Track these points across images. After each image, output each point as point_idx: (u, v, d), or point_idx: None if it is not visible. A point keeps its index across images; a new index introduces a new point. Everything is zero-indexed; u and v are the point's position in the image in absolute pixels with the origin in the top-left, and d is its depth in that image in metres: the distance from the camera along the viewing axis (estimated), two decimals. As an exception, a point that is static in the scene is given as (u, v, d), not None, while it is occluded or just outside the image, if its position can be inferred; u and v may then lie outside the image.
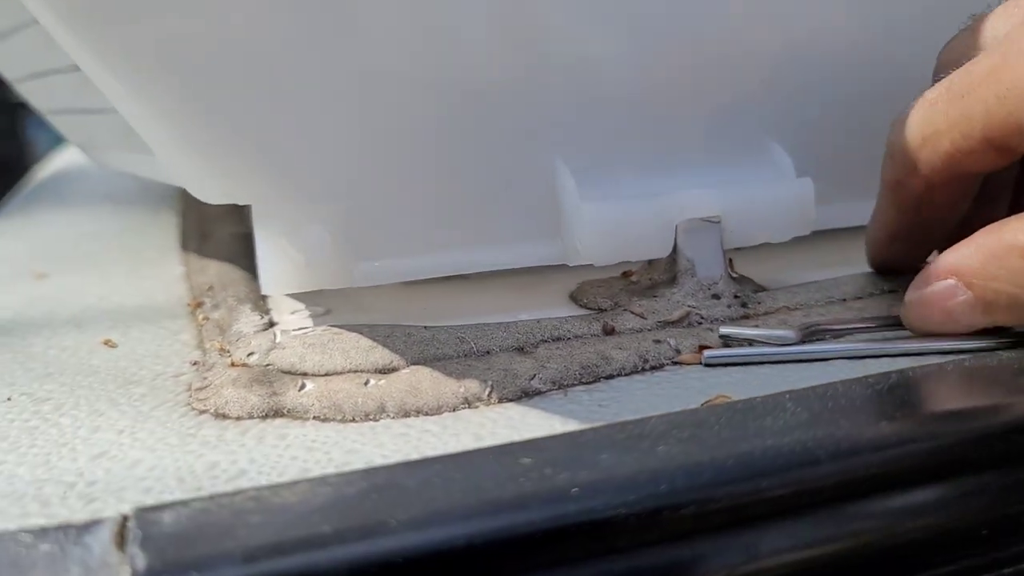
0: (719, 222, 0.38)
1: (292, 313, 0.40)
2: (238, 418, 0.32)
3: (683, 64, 0.38)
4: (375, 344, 0.35)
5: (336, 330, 0.36)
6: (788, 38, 0.39)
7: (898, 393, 0.29)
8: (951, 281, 0.32)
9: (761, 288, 0.40)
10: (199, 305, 0.44)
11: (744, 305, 0.38)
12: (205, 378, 0.35)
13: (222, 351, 0.37)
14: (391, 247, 0.37)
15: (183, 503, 0.25)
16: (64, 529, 0.24)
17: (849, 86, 0.40)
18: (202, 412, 0.33)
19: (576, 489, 0.24)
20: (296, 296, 0.42)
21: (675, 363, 0.35)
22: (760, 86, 0.40)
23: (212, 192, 0.35)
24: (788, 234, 0.39)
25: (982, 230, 0.32)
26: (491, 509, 0.23)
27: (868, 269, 0.41)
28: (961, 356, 0.31)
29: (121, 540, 0.23)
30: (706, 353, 0.34)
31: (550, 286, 0.41)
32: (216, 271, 0.48)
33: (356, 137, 0.35)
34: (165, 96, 0.33)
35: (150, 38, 0.31)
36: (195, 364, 0.37)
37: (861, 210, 0.40)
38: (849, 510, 0.26)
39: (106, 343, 0.40)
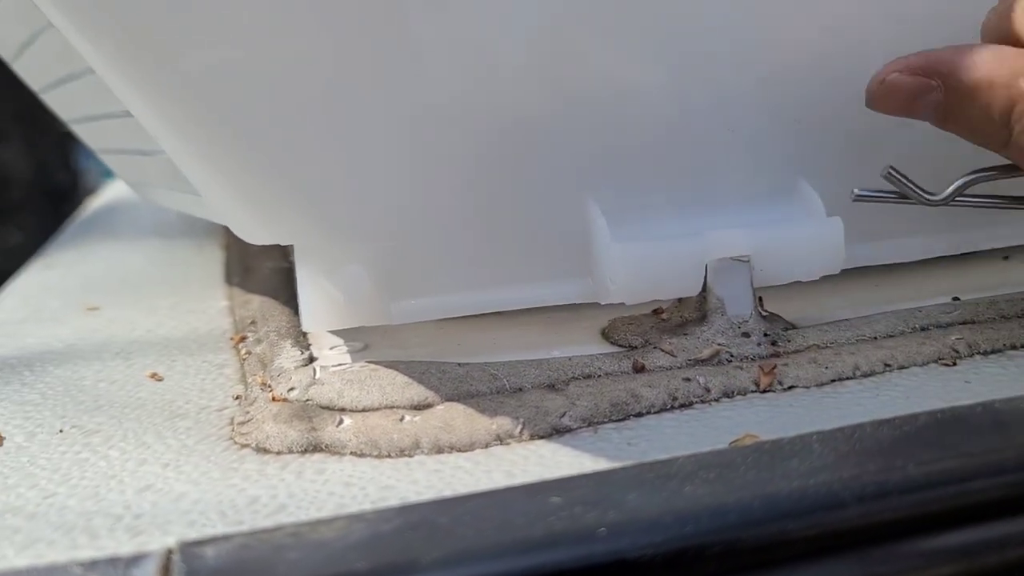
0: (748, 261, 0.38)
1: (331, 348, 0.41)
2: (278, 453, 0.33)
3: (714, 105, 0.39)
4: (411, 380, 0.36)
5: (373, 366, 0.37)
6: (820, 77, 0.40)
7: (926, 435, 0.29)
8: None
9: (792, 326, 0.40)
10: (242, 339, 0.45)
11: (774, 343, 0.38)
12: (247, 412, 0.36)
13: (264, 386, 0.38)
14: (427, 285, 0.38)
15: (225, 538, 0.26)
16: (113, 562, 0.25)
17: (879, 124, 0.40)
18: (244, 446, 0.34)
19: (604, 529, 0.25)
20: (335, 331, 0.43)
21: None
22: (790, 125, 0.40)
23: (255, 232, 0.36)
24: (818, 273, 0.39)
25: None
26: (521, 548, 0.24)
27: (899, 307, 0.41)
28: (991, 400, 0.31)
29: (166, 573, 0.24)
30: (856, 191, 0.36)
31: (582, 323, 0.42)
32: (258, 305, 0.49)
33: (395, 179, 0.37)
34: (211, 138, 0.35)
35: (197, 76, 0.32)
36: (238, 398, 0.38)
37: (890, 248, 0.41)
38: (874, 553, 0.26)
39: (153, 376, 0.42)
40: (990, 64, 0.33)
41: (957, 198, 0.37)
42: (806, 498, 0.26)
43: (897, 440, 0.29)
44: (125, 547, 0.27)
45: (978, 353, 0.38)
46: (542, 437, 0.33)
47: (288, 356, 0.40)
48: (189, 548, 0.25)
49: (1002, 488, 0.26)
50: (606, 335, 0.41)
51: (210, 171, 0.35)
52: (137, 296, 0.56)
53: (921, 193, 0.37)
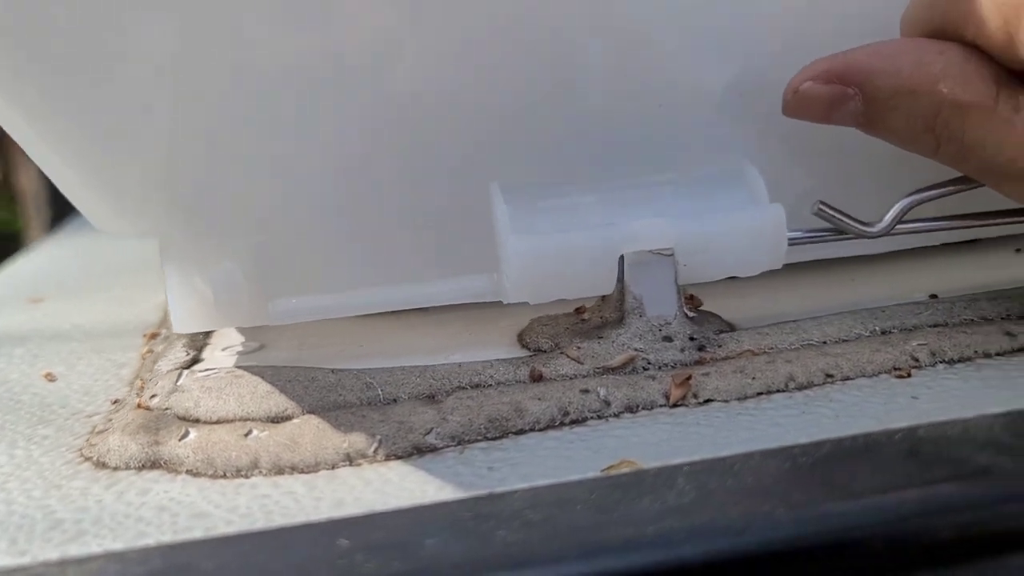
0: (671, 255, 0.33)
1: (223, 350, 0.38)
2: (115, 468, 0.30)
3: (640, 75, 0.34)
4: (273, 389, 0.32)
5: (239, 372, 0.33)
6: (771, 41, 0.34)
7: (819, 470, 0.24)
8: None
9: (729, 327, 0.35)
10: (154, 336, 0.42)
11: (701, 348, 0.33)
12: (110, 420, 0.33)
13: (140, 390, 0.35)
14: (309, 283, 0.35)
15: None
16: None
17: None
18: (87, 460, 0.31)
19: (372, 584, 0.20)
20: (240, 329, 0.40)
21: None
22: (734, 99, 0.35)
23: (114, 225, 0.33)
24: (756, 268, 0.34)
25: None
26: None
27: (866, 305, 0.36)
28: (915, 425, 0.26)
29: None
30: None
31: (503, 322, 0.38)
32: (190, 299, 0.46)
33: (267, 168, 0.33)
34: (59, 121, 0.31)
35: (40, 56, 0.29)
36: (115, 403, 0.36)
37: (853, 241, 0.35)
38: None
39: (47, 376, 0.39)
40: (910, 69, 0.29)
41: (899, 225, 0.32)
42: (633, 551, 0.21)
43: (783, 476, 0.24)
44: None
45: (942, 362, 0.32)
46: (399, 457, 0.29)
47: (172, 358, 0.37)
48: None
49: (885, 542, 0.21)
50: (520, 338, 0.36)
51: (59, 155, 0.32)
52: (87, 289, 0.54)
53: (856, 225, 0.32)
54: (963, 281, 0.38)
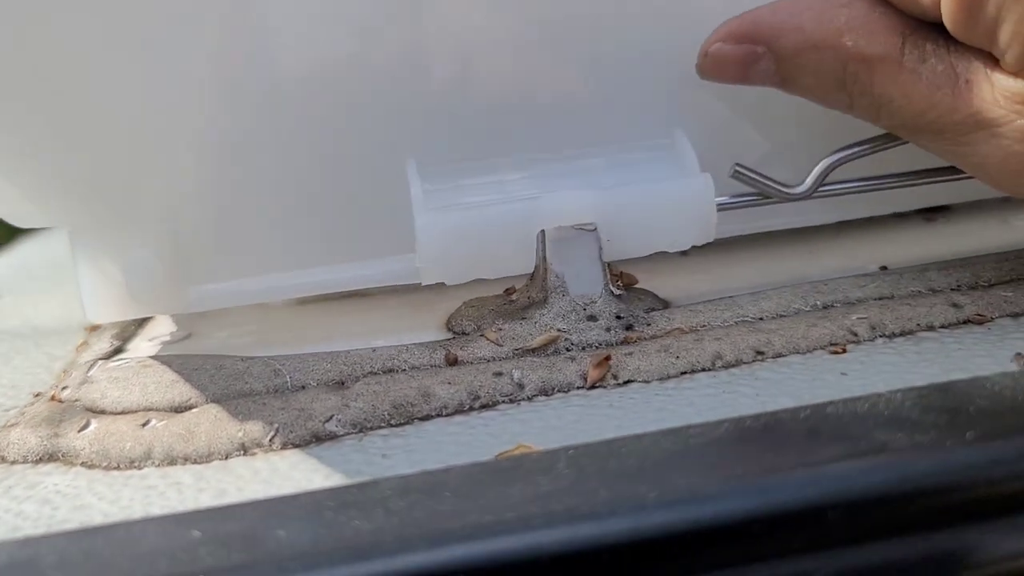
0: (594, 229, 0.32)
1: (150, 340, 0.37)
2: (12, 462, 0.29)
3: (561, 49, 0.32)
4: (178, 378, 0.31)
5: (147, 362, 0.32)
6: (698, 10, 0.32)
7: (708, 451, 0.22)
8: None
9: (664, 305, 0.34)
10: (95, 329, 0.42)
11: (629, 328, 0.32)
12: (23, 413, 0.33)
13: (59, 383, 0.34)
14: (228, 269, 0.34)
15: None
16: None
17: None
18: (-10, 454, 0.30)
19: (208, 577, 0.19)
20: (173, 319, 0.39)
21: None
22: (664, 67, 0.33)
23: (23, 215, 0.32)
24: (685, 242, 0.32)
25: None
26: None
27: (813, 277, 0.34)
28: (825, 402, 0.24)
29: None
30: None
31: (442, 305, 0.36)
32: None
33: (180, 151, 0.32)
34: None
35: None
36: (37, 396, 0.35)
37: (796, 211, 0.33)
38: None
39: (-21, 369, 0.39)
40: (812, 24, 0.28)
41: (822, 187, 0.30)
42: (485, 539, 0.20)
43: (668, 458, 0.22)
44: None
45: (882, 336, 0.31)
46: (297, 446, 0.28)
47: (96, 348, 0.36)
48: None
49: (762, 526, 0.20)
50: (449, 322, 0.35)
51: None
52: (47, 287, 0.53)
53: (778, 188, 0.30)
54: (916, 252, 0.36)
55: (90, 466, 0.28)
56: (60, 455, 0.29)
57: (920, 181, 0.32)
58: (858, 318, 0.31)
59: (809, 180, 0.31)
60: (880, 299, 0.32)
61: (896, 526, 0.20)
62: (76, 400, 0.32)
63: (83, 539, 0.22)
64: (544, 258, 0.32)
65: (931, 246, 0.36)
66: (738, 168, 0.31)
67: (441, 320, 0.35)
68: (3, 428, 0.32)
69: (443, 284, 0.33)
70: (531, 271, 0.33)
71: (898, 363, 0.28)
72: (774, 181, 0.31)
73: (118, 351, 0.36)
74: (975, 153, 0.27)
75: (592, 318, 0.32)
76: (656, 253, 0.33)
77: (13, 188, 0.32)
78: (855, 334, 0.30)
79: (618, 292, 0.32)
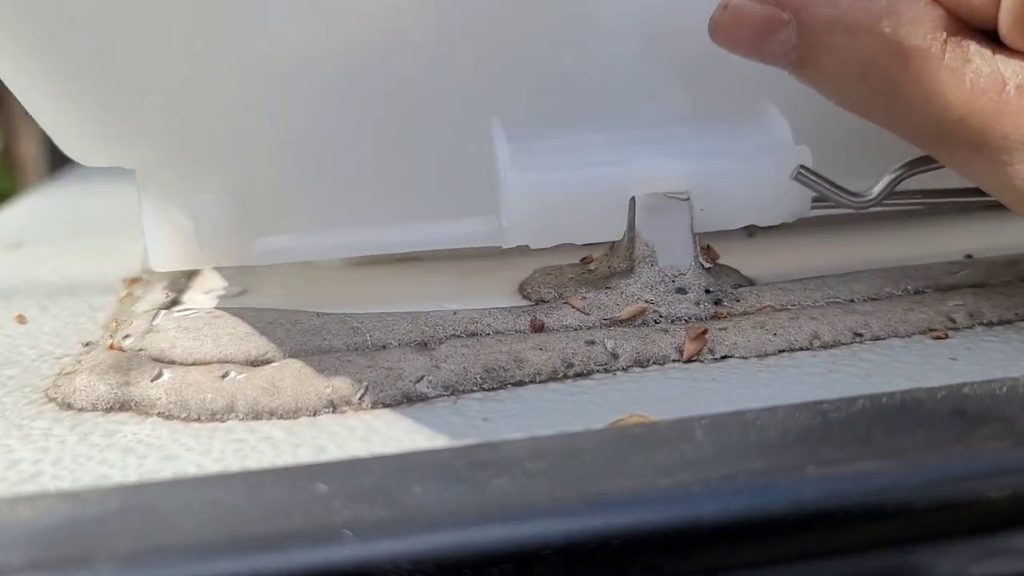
0: (687, 199, 0.31)
1: (206, 292, 0.35)
2: (81, 409, 0.28)
3: (651, 9, 0.31)
4: (253, 331, 0.29)
5: (218, 313, 0.31)
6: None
7: (852, 426, 0.21)
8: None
9: (748, 282, 0.33)
10: (135, 281, 0.40)
11: (718, 302, 0.31)
12: (80, 361, 0.31)
13: (115, 332, 0.33)
14: (296, 222, 0.32)
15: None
16: None
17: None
18: (51, 400, 0.29)
19: (349, 532, 0.18)
20: (224, 273, 0.37)
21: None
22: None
23: (88, 153, 0.31)
24: (778, 217, 0.31)
25: None
26: (233, 548, 0.18)
27: (892, 265, 0.33)
28: (960, 383, 0.23)
29: None
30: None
31: (504, 273, 0.35)
32: (174, 246, 0.44)
33: (252, 93, 0.30)
34: (32, 44, 0.29)
35: None
36: (87, 344, 0.33)
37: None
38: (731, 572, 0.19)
39: (18, 318, 0.37)
40: (850, 0, 0.25)
41: (888, 198, 0.29)
42: (645, 505, 0.19)
43: (809, 431, 0.21)
44: None
45: (980, 324, 0.30)
46: (387, 405, 0.27)
47: (150, 299, 0.34)
48: None
49: (928, 504, 0.19)
50: (521, 288, 0.34)
51: (28, 77, 0.30)
52: (68, 236, 0.51)
53: (841, 195, 0.29)
54: (1000, 241, 0.35)
55: (168, 416, 0.27)
56: (133, 404, 0.27)
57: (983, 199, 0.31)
58: (955, 304, 0.30)
59: (876, 190, 0.30)
60: (973, 287, 0.32)
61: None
62: (141, 349, 0.30)
63: (200, 487, 0.20)
64: (633, 225, 0.31)
65: (1014, 236, 0.36)
66: (801, 171, 0.30)
67: (511, 287, 0.34)
68: (63, 375, 0.30)
69: (504, 251, 0.32)
70: (616, 239, 0.32)
71: (1006, 350, 0.28)
72: (837, 187, 0.30)
73: (175, 303, 0.34)
74: (1017, 174, 0.25)
75: (681, 290, 0.31)
76: (734, 230, 0.32)
77: (78, 123, 0.31)
78: (953, 320, 0.30)
79: (707, 266, 0.32)
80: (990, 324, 0.30)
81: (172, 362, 0.29)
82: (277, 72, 0.30)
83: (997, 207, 0.28)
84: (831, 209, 0.31)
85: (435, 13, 0.30)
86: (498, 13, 0.30)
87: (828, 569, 0.19)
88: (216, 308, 0.31)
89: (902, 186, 0.30)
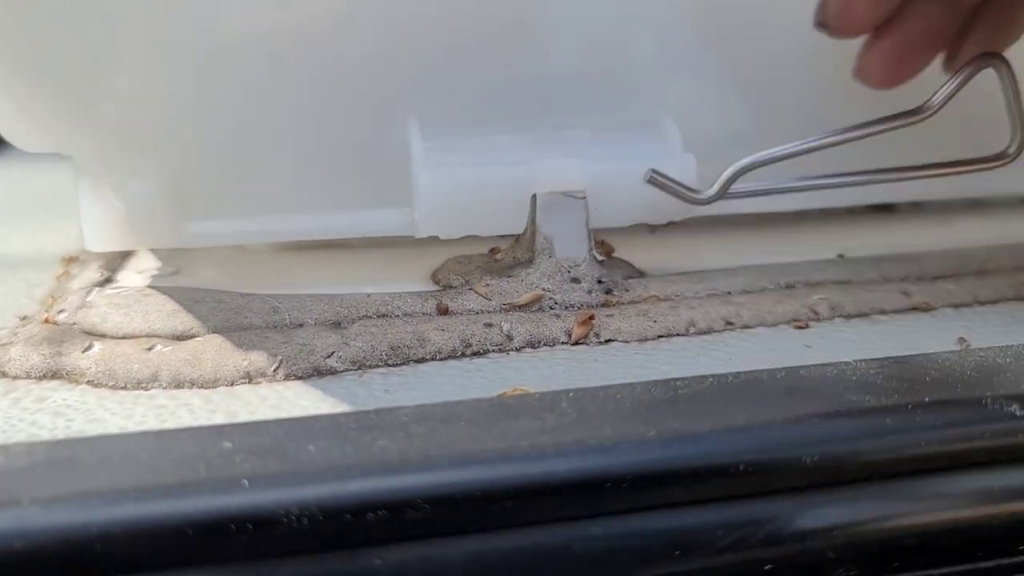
0: (584, 197, 0.34)
1: (139, 272, 0.38)
2: (15, 377, 0.30)
3: (560, 23, 0.34)
4: (179, 308, 0.32)
5: (148, 291, 0.33)
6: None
7: (696, 401, 0.25)
8: None
9: (639, 274, 0.36)
10: (72, 260, 0.42)
11: (608, 292, 0.34)
12: (16, 334, 0.33)
13: (50, 307, 0.35)
14: (225, 207, 0.35)
15: None
16: None
17: (751, 54, 0.36)
18: (-13, 369, 0.31)
19: (246, 481, 0.21)
20: (157, 255, 0.40)
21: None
22: (651, 47, 0.35)
23: (28, 139, 0.33)
24: (665, 215, 0.35)
25: None
26: (143, 494, 0.21)
27: (776, 260, 0.37)
28: (798, 366, 0.27)
29: None
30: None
31: (424, 260, 0.38)
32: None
33: (187, 84, 0.33)
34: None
35: None
36: (23, 319, 0.35)
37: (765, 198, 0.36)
38: (590, 528, 0.22)
39: (-43, 292, 0.39)
40: None
41: (729, 192, 0.32)
42: (503, 463, 0.22)
43: (660, 404, 0.25)
44: None
45: (840, 316, 0.33)
46: (299, 378, 0.29)
47: (86, 278, 0.37)
48: None
49: (749, 467, 0.22)
50: (434, 275, 0.37)
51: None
52: (8, 215, 0.53)
53: (687, 192, 0.32)
54: (868, 242, 0.39)
55: (96, 384, 0.29)
56: (64, 373, 0.30)
57: (827, 184, 0.34)
58: (819, 298, 0.34)
59: (715, 187, 0.33)
60: (838, 283, 0.35)
61: (865, 475, 0.23)
62: (74, 323, 0.32)
63: (119, 443, 0.23)
64: (534, 220, 0.34)
65: (881, 239, 0.39)
66: (653, 174, 0.33)
67: (425, 274, 0.37)
68: (3, 346, 0.32)
69: (422, 240, 0.35)
70: (519, 232, 0.35)
71: (856, 340, 0.31)
72: (684, 186, 0.33)
73: (108, 281, 0.36)
74: None
75: (575, 280, 0.34)
76: (632, 226, 0.35)
77: (19, 111, 0.33)
78: (816, 312, 0.33)
79: (600, 258, 0.35)
80: (848, 316, 0.33)
81: (103, 336, 0.32)
82: (207, 63, 0.33)
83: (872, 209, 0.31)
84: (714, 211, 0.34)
85: (366, 11, 0.33)
86: (426, 15, 0.33)
87: (661, 520, 0.22)
88: (147, 287, 0.34)
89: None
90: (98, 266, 0.38)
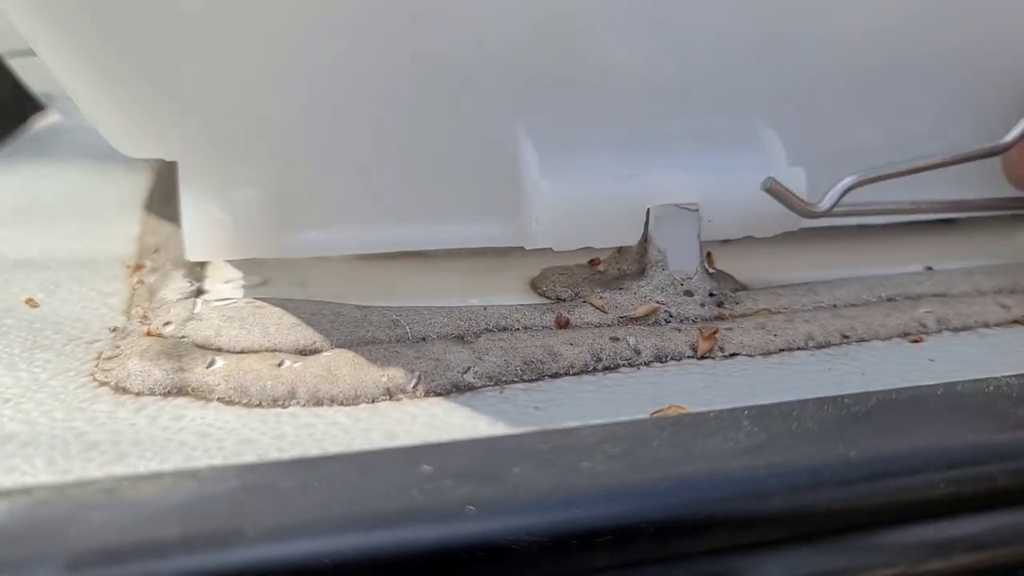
0: (697, 210, 0.34)
1: (226, 282, 0.36)
2: (138, 394, 0.29)
3: (666, 35, 0.34)
4: (299, 321, 0.31)
5: (260, 303, 0.32)
6: (787, 9, 0.35)
7: (876, 418, 0.25)
8: None
9: (743, 287, 0.36)
10: (139, 268, 0.41)
11: (720, 305, 0.34)
12: (118, 347, 0.32)
13: (144, 318, 0.34)
14: (330, 217, 0.34)
15: (25, 491, 0.21)
16: None
17: (854, 66, 0.36)
18: (103, 384, 0.30)
19: (472, 508, 0.20)
20: (237, 264, 0.38)
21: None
22: (752, 62, 0.36)
23: (132, 145, 0.32)
24: (775, 229, 0.35)
25: None
26: (367, 523, 0.20)
27: (865, 272, 0.37)
28: (953, 382, 0.27)
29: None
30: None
31: (510, 272, 0.38)
32: (167, 232, 0.45)
33: (294, 90, 0.32)
34: (79, 35, 0.30)
35: None
36: (114, 330, 0.34)
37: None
38: (801, 552, 0.22)
39: (27, 302, 0.37)
40: None
41: (837, 208, 0.33)
42: (723, 484, 0.22)
43: (841, 421, 0.25)
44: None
45: (947, 329, 0.34)
46: (439, 394, 0.29)
47: (175, 287, 0.35)
48: (-27, 501, 0.20)
49: (954, 483, 0.22)
50: (535, 286, 0.36)
51: (79, 70, 0.30)
52: (41, 218, 0.51)
53: (801, 204, 0.32)
54: (953, 254, 0.40)
55: (229, 402, 0.28)
56: (190, 390, 0.29)
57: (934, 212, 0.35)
58: (925, 312, 0.34)
59: (826, 200, 0.33)
60: (936, 296, 0.36)
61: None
62: (183, 336, 0.31)
63: (314, 466, 0.22)
64: (647, 233, 0.34)
65: (961, 250, 0.40)
66: (773, 183, 0.33)
67: (522, 284, 0.37)
68: (106, 360, 0.31)
69: (502, 251, 0.35)
70: (628, 243, 0.34)
71: (974, 353, 0.32)
72: (799, 198, 0.33)
73: (200, 291, 0.35)
74: None
75: (688, 293, 0.34)
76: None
77: (124, 115, 0.32)
78: (924, 326, 0.34)
79: (711, 271, 0.35)
80: (955, 330, 0.34)
81: (219, 350, 0.31)
82: (316, 69, 0.32)
83: (947, 222, 0.32)
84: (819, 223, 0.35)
85: (468, 22, 0.32)
86: (532, 25, 0.33)
87: (874, 540, 0.22)
88: (258, 299, 0.33)
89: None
90: (182, 275, 0.37)
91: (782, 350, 0.32)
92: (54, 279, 0.40)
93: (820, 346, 0.32)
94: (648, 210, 0.34)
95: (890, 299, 0.35)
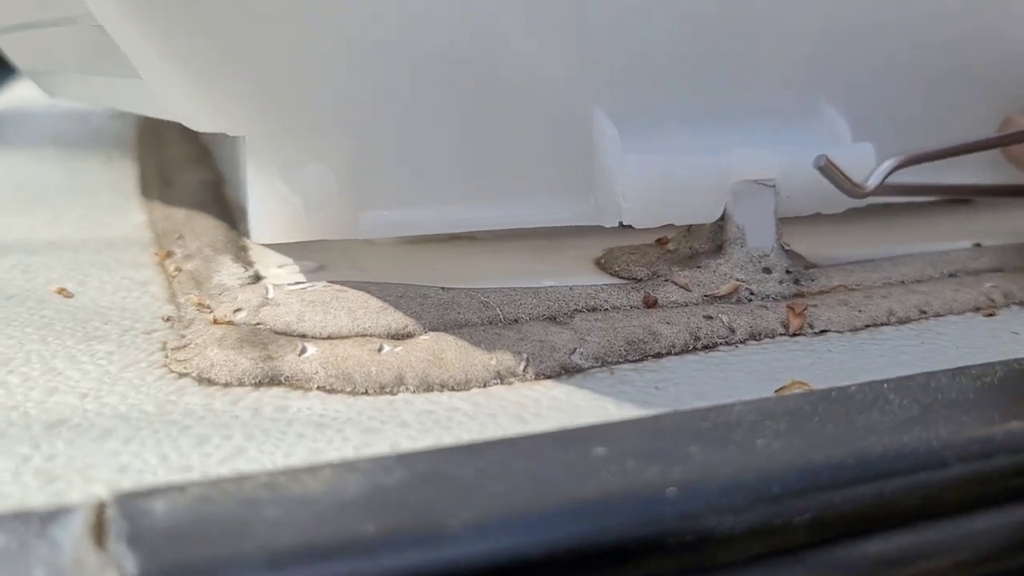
0: (774, 186, 0.33)
1: (280, 267, 0.35)
2: (226, 384, 0.27)
3: (733, 13, 0.34)
4: (386, 305, 0.30)
5: (339, 287, 0.31)
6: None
7: (1013, 387, 0.25)
8: None
9: (811, 264, 0.36)
10: (168, 255, 0.38)
11: (797, 282, 0.34)
12: (183, 336, 0.30)
13: (200, 306, 0.32)
14: (403, 195, 0.32)
15: (178, 488, 0.20)
16: (23, 517, 0.19)
17: (915, 43, 0.36)
18: (182, 375, 0.28)
19: (673, 489, 0.19)
20: (281, 249, 0.37)
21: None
22: (812, 43, 0.35)
23: (201, 119, 0.30)
24: (843, 204, 0.35)
25: None
26: (574, 509, 0.19)
27: (917, 249, 0.37)
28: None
29: (100, 534, 0.18)
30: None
31: (570, 252, 0.37)
32: (185, 219, 0.42)
33: (370, 63, 0.30)
34: (155, 8, 0.28)
35: None
36: (168, 320, 0.32)
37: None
38: (979, 520, 0.22)
39: (60, 292, 0.35)
40: None
41: (883, 187, 0.33)
42: (904, 456, 0.21)
43: (981, 391, 0.25)
44: (36, 497, 0.21)
45: (1015, 303, 0.34)
46: (550, 377, 0.28)
47: (229, 273, 0.33)
48: (130, 501, 0.19)
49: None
50: (604, 266, 0.35)
51: (152, 42, 0.28)
52: (38, 204, 0.48)
53: (849, 184, 0.32)
54: (1001, 229, 0.40)
55: (330, 391, 0.27)
56: (284, 379, 0.27)
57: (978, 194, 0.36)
58: (991, 286, 0.35)
59: (871, 182, 0.33)
60: (993, 271, 0.36)
61: None
62: (258, 323, 0.30)
63: (481, 452, 0.21)
64: (726, 209, 0.33)
65: (1012, 225, 0.41)
66: (827, 161, 0.33)
67: (586, 264, 0.36)
68: (175, 350, 0.29)
69: (552, 231, 0.34)
70: (707, 220, 0.34)
71: (1052, 326, 0.32)
72: (847, 178, 0.33)
73: (258, 277, 0.33)
74: None
75: (767, 270, 0.33)
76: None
77: (193, 89, 0.30)
78: (992, 300, 0.34)
79: (787, 248, 0.34)
80: (1021, 303, 0.34)
81: (304, 336, 0.29)
82: (389, 46, 0.30)
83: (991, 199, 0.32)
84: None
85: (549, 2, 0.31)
86: (610, 6, 0.32)
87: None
88: (338, 282, 0.31)
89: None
90: (230, 260, 0.35)
91: (868, 326, 0.32)
92: (77, 268, 0.38)
93: (902, 321, 0.32)
94: (729, 185, 0.33)
95: (951, 275, 0.36)
